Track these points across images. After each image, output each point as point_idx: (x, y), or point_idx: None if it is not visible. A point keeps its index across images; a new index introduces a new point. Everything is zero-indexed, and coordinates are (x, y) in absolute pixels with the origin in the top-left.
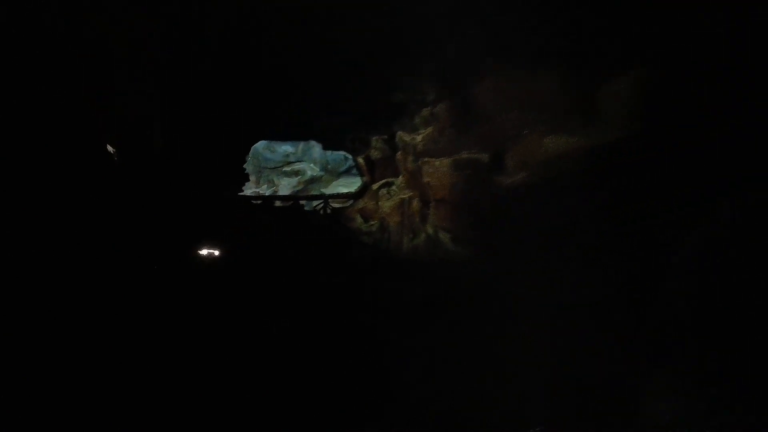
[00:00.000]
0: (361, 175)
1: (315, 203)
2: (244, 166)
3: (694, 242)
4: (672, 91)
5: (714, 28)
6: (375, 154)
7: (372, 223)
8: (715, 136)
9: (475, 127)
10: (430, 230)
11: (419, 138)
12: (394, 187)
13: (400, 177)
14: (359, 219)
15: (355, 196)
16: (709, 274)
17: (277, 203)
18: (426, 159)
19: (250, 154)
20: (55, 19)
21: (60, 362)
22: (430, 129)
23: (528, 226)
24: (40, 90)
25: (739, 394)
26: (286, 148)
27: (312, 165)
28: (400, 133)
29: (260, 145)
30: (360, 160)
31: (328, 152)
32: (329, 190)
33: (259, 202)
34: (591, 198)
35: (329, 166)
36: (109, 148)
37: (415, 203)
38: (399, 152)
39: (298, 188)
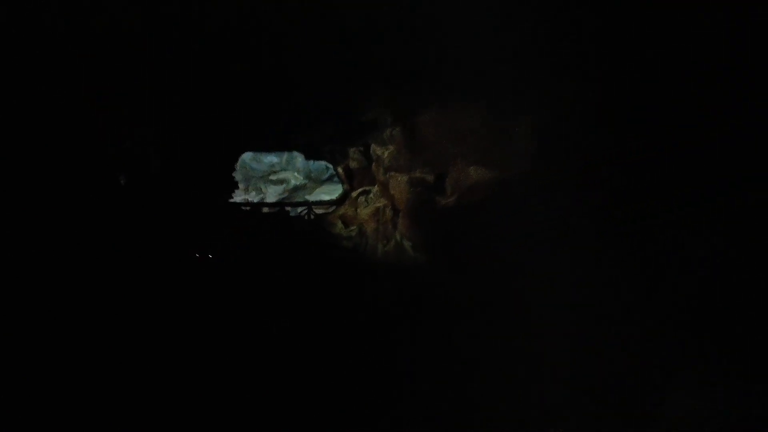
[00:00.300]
0: (342, 183)
1: (300, 209)
2: (233, 175)
3: (694, 242)
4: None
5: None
6: (353, 164)
7: (351, 228)
8: (715, 136)
9: (423, 150)
10: (398, 237)
11: (386, 153)
12: (371, 195)
13: (376, 186)
14: (340, 224)
15: (337, 202)
16: (709, 274)
17: (265, 209)
18: (391, 173)
19: (238, 165)
20: (55, 19)
21: (60, 362)
22: (392, 146)
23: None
24: (40, 90)
25: (740, 394)
26: (271, 158)
27: (296, 174)
28: (373, 146)
29: (247, 156)
30: (339, 169)
31: (311, 162)
32: (313, 197)
33: (248, 208)
34: (586, 200)
35: (312, 175)
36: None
37: (388, 212)
38: (373, 163)
39: (283, 195)
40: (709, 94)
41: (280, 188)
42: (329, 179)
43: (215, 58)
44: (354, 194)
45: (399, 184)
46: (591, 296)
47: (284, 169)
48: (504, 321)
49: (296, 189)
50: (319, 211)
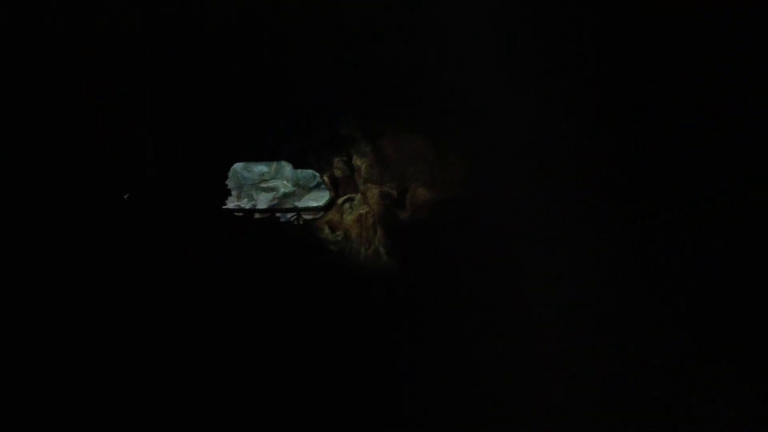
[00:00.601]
0: (328, 190)
1: (289, 215)
2: (226, 182)
3: (694, 242)
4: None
5: None
6: (337, 173)
7: (338, 233)
8: (715, 136)
9: (390, 167)
10: (376, 243)
11: (364, 165)
12: (355, 202)
13: (359, 194)
14: (327, 229)
15: (324, 209)
16: (709, 274)
17: (256, 215)
18: (368, 185)
19: (231, 173)
20: (55, 19)
21: (56, 364)
22: (367, 160)
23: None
24: (40, 90)
25: (740, 394)
26: (261, 167)
27: (284, 182)
28: (354, 157)
29: (239, 165)
30: (325, 177)
31: (299, 170)
32: (301, 204)
33: (240, 214)
34: (586, 200)
35: (300, 182)
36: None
37: (369, 218)
38: (355, 173)
39: (274, 202)
40: (709, 94)
41: (270, 195)
42: (317, 186)
43: (215, 59)
44: (339, 201)
45: (373, 195)
46: (591, 296)
47: (274, 178)
48: (504, 321)
49: (286, 196)
50: (307, 216)
